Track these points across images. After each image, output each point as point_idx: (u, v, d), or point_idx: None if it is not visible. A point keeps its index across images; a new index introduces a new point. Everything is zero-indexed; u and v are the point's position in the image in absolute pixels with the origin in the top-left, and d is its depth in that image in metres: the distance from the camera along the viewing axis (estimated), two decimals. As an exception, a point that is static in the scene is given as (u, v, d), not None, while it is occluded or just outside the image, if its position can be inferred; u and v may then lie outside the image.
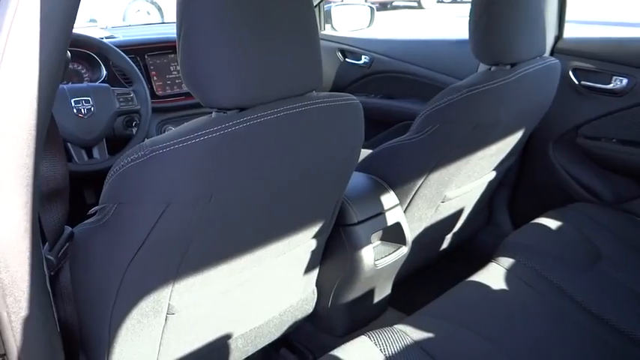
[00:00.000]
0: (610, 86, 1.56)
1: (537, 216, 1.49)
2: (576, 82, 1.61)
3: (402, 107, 2.04)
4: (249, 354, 1.24)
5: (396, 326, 1.03)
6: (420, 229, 1.44)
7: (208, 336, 1.07)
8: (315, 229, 1.08)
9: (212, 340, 1.09)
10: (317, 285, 1.30)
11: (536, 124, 1.48)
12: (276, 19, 0.79)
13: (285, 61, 0.81)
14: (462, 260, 1.76)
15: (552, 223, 1.43)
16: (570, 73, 1.61)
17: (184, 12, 0.75)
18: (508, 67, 1.26)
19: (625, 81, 1.53)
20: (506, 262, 1.26)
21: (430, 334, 1.01)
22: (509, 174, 1.74)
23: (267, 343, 1.26)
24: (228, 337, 1.12)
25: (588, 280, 1.24)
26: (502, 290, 1.16)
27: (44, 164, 0.78)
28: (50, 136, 0.75)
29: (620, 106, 1.55)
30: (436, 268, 1.70)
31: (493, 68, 1.27)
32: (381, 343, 0.97)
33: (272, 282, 1.11)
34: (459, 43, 1.91)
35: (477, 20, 1.21)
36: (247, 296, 1.08)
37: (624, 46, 1.54)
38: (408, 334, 1.00)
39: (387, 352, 0.95)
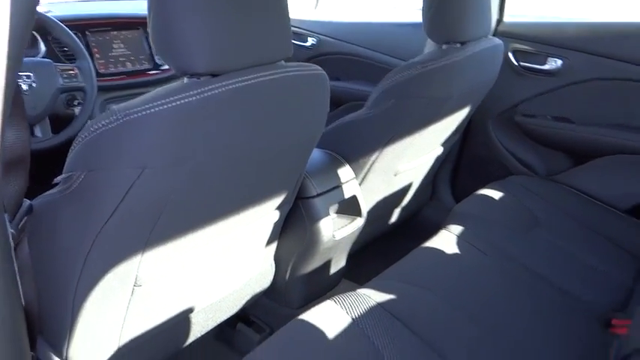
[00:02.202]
0: (546, 67, 1.67)
1: (476, 189, 1.59)
2: (515, 63, 1.71)
3: (348, 88, 2.07)
4: (209, 329, 1.24)
5: (359, 290, 1.07)
6: (373, 202, 1.49)
7: (171, 310, 1.06)
8: (279, 200, 1.09)
9: (174, 315, 1.08)
10: (275, 258, 1.32)
11: (479, 102, 1.56)
12: None
13: (256, 29, 0.82)
14: (408, 234, 1.84)
15: (494, 194, 1.52)
16: (510, 55, 1.71)
17: None
18: (458, 45, 1.33)
19: (559, 62, 1.64)
20: (456, 229, 1.33)
21: (392, 296, 1.05)
22: (452, 150, 1.83)
23: (226, 317, 1.27)
24: (190, 311, 1.12)
25: (528, 243, 1.34)
26: (454, 254, 1.23)
27: (7, 133, 0.74)
28: (15, 105, 0.72)
29: (554, 86, 1.67)
30: (385, 242, 1.76)
31: (444, 46, 1.33)
32: (346, 306, 1.01)
33: (234, 254, 1.12)
34: (403, 25, 1.97)
35: (430, 0, 1.26)
36: (210, 269, 1.08)
37: (560, 29, 1.65)
38: (371, 297, 1.05)
39: (352, 315, 0.99)
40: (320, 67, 0.97)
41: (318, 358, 0.90)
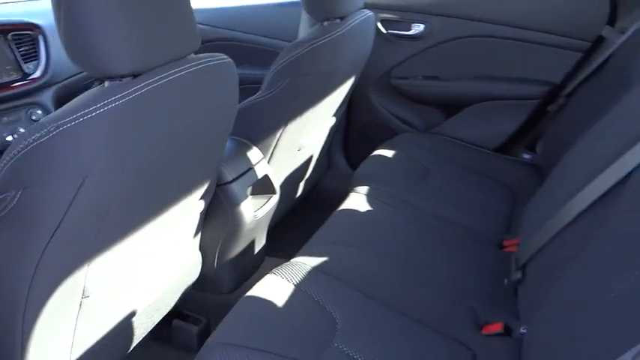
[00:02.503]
0: (411, 32, 1.85)
1: (368, 152, 1.73)
2: (384, 32, 1.87)
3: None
4: (149, 330, 1.24)
5: (293, 260, 1.15)
6: (282, 179, 1.56)
7: (116, 317, 1.06)
8: (203, 189, 1.12)
9: (119, 321, 1.08)
10: (200, 248, 1.34)
11: (360, 71, 1.69)
12: None
13: (167, 25, 0.84)
14: (315, 204, 1.94)
15: (387, 153, 1.67)
16: (379, 24, 1.86)
17: None
18: (338, 20, 1.43)
19: (422, 26, 1.83)
20: (363, 189, 1.46)
21: (325, 259, 1.15)
22: (340, 120, 1.95)
23: (163, 315, 1.27)
24: (132, 314, 1.12)
25: (425, 191, 1.51)
26: (367, 211, 1.35)
27: None
28: None
29: (420, 48, 1.85)
30: (295, 215, 1.85)
31: (325, 23, 1.42)
32: (287, 276, 1.08)
33: (167, 250, 1.13)
34: (280, 5, 2.04)
35: None
36: (147, 268, 1.09)
37: (416, -4, 1.84)
38: (307, 263, 1.13)
39: (294, 282, 1.06)
40: (226, 56, 1.00)
41: (277, 328, 0.96)
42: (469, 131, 1.85)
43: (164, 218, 1.01)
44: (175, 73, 0.85)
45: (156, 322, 1.25)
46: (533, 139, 1.81)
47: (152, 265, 1.10)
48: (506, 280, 1.09)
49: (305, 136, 1.54)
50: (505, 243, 1.32)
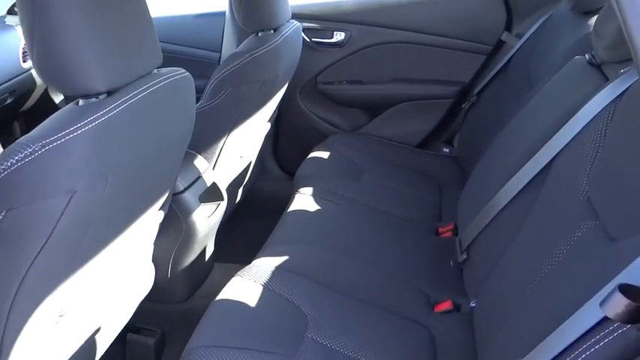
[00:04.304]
0: (333, 40, 1.96)
1: (298, 156, 1.82)
2: (308, 40, 1.96)
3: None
4: (109, 344, 1.23)
5: (255, 262, 1.20)
6: (225, 187, 1.60)
7: (82, 334, 1.05)
8: (163, 199, 1.14)
9: (86, 339, 1.07)
10: (153, 259, 1.35)
11: (291, 78, 1.77)
12: (113, 1, 0.84)
13: (133, 41, 0.87)
14: (252, 209, 1.99)
15: (322, 155, 1.77)
16: (303, 33, 1.94)
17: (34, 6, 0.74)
18: (272, 31, 1.49)
19: (343, 34, 1.94)
20: (307, 190, 1.54)
21: (285, 258, 1.21)
22: (271, 125, 2.02)
23: (121, 328, 1.27)
24: (97, 330, 1.11)
25: (363, 188, 1.62)
26: (315, 210, 1.44)
27: None
28: None
29: (343, 55, 1.97)
30: (235, 220, 1.89)
31: (260, 34, 1.49)
32: (253, 277, 1.13)
33: (127, 262, 1.14)
34: (201, 16, 2.06)
35: None
36: (111, 282, 1.09)
37: (338, 6, 1.94)
38: (269, 264, 1.19)
39: (261, 282, 1.12)
40: (184, 70, 1.04)
41: (252, 327, 1.01)
42: (393, 130, 2.00)
43: (131, 231, 1.02)
44: (147, 88, 0.88)
45: (115, 336, 1.25)
46: (450, 134, 1.99)
47: (114, 279, 1.10)
48: (451, 262, 1.22)
49: (246, 143, 1.59)
50: (440, 230, 1.47)
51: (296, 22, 1.67)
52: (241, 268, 1.22)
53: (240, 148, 1.56)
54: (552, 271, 0.83)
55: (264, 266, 1.17)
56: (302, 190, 1.54)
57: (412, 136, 2.00)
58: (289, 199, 1.55)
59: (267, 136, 1.97)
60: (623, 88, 0.89)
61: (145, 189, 1.00)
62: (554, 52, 1.40)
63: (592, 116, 0.92)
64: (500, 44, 1.86)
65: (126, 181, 0.87)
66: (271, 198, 2.03)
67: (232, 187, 1.66)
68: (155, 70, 0.96)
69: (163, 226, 1.32)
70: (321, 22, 1.95)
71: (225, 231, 1.77)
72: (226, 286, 1.12)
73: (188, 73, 1.04)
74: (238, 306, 1.06)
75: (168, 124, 0.98)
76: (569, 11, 1.47)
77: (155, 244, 1.32)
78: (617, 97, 0.89)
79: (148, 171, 0.95)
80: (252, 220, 1.97)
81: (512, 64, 1.70)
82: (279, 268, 1.17)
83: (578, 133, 0.94)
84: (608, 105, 0.90)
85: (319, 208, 1.44)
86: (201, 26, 2.05)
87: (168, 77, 0.95)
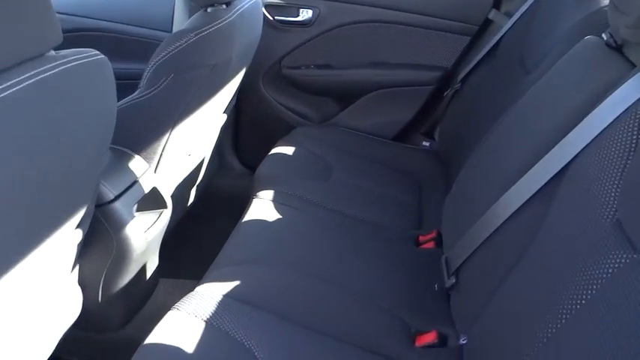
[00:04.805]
0: (299, 18, 1.72)
1: (261, 149, 1.59)
2: (271, 18, 1.72)
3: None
4: None
5: (198, 289, 0.98)
6: (172, 189, 1.36)
7: None
8: (79, 215, 0.91)
9: None
10: (80, 282, 1.12)
11: (250, 62, 1.54)
12: None
13: (17, 16, 0.63)
14: (208, 209, 1.76)
15: (286, 150, 1.54)
16: (264, 10, 1.70)
17: None
18: (224, 6, 1.26)
19: (310, 12, 1.71)
20: (266, 194, 1.31)
21: (234, 282, 1.00)
22: (230, 115, 1.78)
23: None
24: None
25: (332, 189, 1.40)
26: (275, 220, 1.21)
27: None
28: None
29: (310, 35, 1.74)
30: (188, 224, 1.66)
31: (209, 10, 1.25)
32: (192, 310, 0.92)
33: (39, 290, 0.91)
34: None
35: None
36: (21, 313, 0.86)
37: (305, -21, 1.71)
38: (213, 291, 0.97)
39: (202, 316, 0.90)
40: (98, 52, 0.80)
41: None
42: (366, 121, 1.78)
43: (35, 257, 0.79)
44: (35, 75, 0.64)
45: None
46: (430, 125, 1.79)
47: (24, 309, 0.87)
48: (436, 286, 1.02)
49: (195, 139, 1.35)
50: (421, 239, 1.27)
51: (255, -5, 1.44)
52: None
53: (189, 144, 1.33)
54: (574, 319, 0.63)
55: (207, 294, 0.96)
56: (261, 194, 1.32)
57: (388, 128, 1.78)
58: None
59: (225, 128, 1.74)
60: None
61: (44, 202, 0.76)
62: (554, 33, 1.19)
63: (618, 113, 0.72)
64: (487, 24, 1.65)
65: (9, 191, 0.64)
66: (231, 196, 1.81)
67: (180, 191, 1.43)
68: (52, 52, 0.72)
69: (90, 243, 1.09)
70: (285, -3, 1.72)
71: (174, 240, 1.54)
72: (159, 325, 0.90)
73: (101, 56, 0.80)
74: (171, 351, 0.84)
75: (71, 119, 0.74)
76: (569, -15, 1.26)
77: (81, 264, 1.09)
78: (652, 88, 0.69)
79: (43, 177, 0.72)
80: (208, 223, 1.74)
81: (501, 47, 1.49)
82: (226, 297, 0.95)
83: (600, 133, 0.74)
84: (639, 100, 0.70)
85: (280, 217, 1.22)
86: (148, 2, 1.79)
87: (69, 60, 0.72)
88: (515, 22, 1.46)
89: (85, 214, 0.93)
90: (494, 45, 1.52)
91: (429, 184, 1.54)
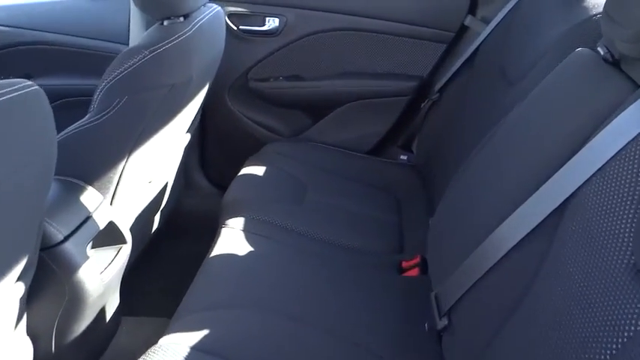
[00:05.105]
0: (265, 28, 1.62)
1: (231, 166, 1.49)
2: (235, 28, 1.61)
3: (52, 86, 1.68)
4: None
5: (161, 342, 0.87)
6: (132, 220, 1.25)
7: None
8: (19, 267, 0.79)
9: None
10: (30, 333, 1.00)
11: (214, 76, 1.43)
12: None
13: None
14: (175, 235, 1.64)
15: (256, 170, 1.44)
16: (227, 20, 1.59)
17: None
18: (181, 19, 1.15)
19: (277, 21, 1.61)
20: (235, 223, 1.21)
21: (202, 331, 0.89)
22: (196, 132, 1.67)
23: None
24: None
25: (306, 211, 1.31)
26: (246, 253, 1.11)
27: None
28: None
29: (278, 45, 1.63)
30: (153, 254, 1.54)
31: (166, 23, 1.13)
32: (156, 368, 0.81)
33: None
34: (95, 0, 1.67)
35: None
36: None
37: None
38: (179, 342, 0.86)
39: (167, 376, 0.80)
40: (30, 82, 0.69)
41: None
42: (340, 134, 1.69)
43: None
44: None
45: None
46: (408, 138, 1.70)
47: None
48: (426, 325, 0.93)
49: (156, 164, 1.24)
50: (404, 265, 1.18)
51: (216, 6, 1.33)
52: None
53: (149, 170, 1.21)
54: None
55: (172, 348, 0.85)
56: (230, 221, 1.21)
57: (363, 142, 1.69)
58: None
59: (190, 146, 1.62)
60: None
61: None
62: (537, 42, 1.12)
63: (626, 141, 0.64)
64: (463, 30, 1.58)
65: None
66: (200, 216, 1.69)
67: (142, 221, 1.31)
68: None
69: (39, 290, 0.96)
70: (250, 5, 1.60)
71: (137, 272, 1.42)
72: None
73: (35, 87, 0.69)
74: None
75: (5, 160, 0.63)
76: (551, -10, 1.20)
77: (30, 313, 0.97)
78: (665, 113, 0.62)
79: None
80: (174, 249, 1.63)
81: (479, 55, 1.42)
82: (193, 349, 0.85)
83: (607, 162, 0.66)
84: (651, 125, 0.62)
85: (250, 248, 1.12)
86: (104, 11, 1.66)
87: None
88: (492, 29, 1.39)
89: (26, 264, 0.82)
90: (472, 53, 1.45)
91: (409, 200, 1.46)
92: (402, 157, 1.69)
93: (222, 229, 1.20)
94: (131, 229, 1.22)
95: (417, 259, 1.17)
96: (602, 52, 0.80)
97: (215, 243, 1.14)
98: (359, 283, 1.09)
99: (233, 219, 1.22)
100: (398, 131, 1.70)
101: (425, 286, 1.05)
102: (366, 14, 1.59)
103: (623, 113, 0.67)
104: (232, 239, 1.15)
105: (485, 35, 1.41)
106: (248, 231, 1.18)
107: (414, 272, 1.16)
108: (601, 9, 0.96)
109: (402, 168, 1.62)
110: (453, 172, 1.16)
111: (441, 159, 1.43)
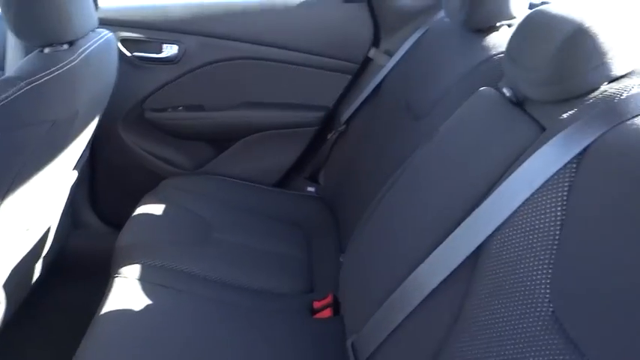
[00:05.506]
0: (163, 55, 1.52)
1: (126, 204, 1.37)
2: (128, 54, 1.50)
3: None
4: None
5: None
6: (7, 274, 1.08)
7: None
8: None
9: None
10: None
11: (105, 108, 1.30)
12: None
13: None
14: (58, 280, 1.47)
15: (154, 209, 1.33)
16: (120, 45, 1.48)
17: None
18: (66, 46, 1.03)
19: (175, 47, 1.51)
20: (130, 272, 1.09)
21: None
22: (84, 168, 1.51)
23: None
24: None
25: (212, 254, 1.22)
26: (145, 309, 1.00)
27: None
28: None
29: (176, 74, 1.54)
30: (38, 303, 1.36)
31: (47, 50, 1.01)
32: None
33: None
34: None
35: None
36: None
37: (166, 12, 1.50)
38: None
39: None
40: None
41: None
42: (245, 167, 1.62)
43: None
44: None
45: None
46: (314, 169, 1.66)
47: None
48: (344, 378, 0.87)
49: (35, 209, 1.09)
50: (315, 305, 1.13)
51: (107, 31, 1.22)
52: None
53: (26, 217, 1.06)
54: None
55: None
56: (123, 270, 1.09)
57: (269, 174, 1.63)
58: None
59: (78, 184, 1.47)
60: (582, 145, 0.62)
61: None
62: (440, 78, 1.13)
63: (537, 185, 0.64)
64: (367, 62, 1.58)
65: None
66: (91, 260, 1.53)
67: (18, 274, 1.14)
68: None
69: None
70: (146, 31, 1.50)
71: (18, 327, 1.25)
72: None
73: None
74: None
75: None
76: (451, 27, 1.22)
77: None
78: (573, 158, 0.62)
79: None
80: (62, 298, 1.46)
81: (384, 88, 1.42)
82: None
83: (518, 208, 0.66)
84: (561, 170, 0.62)
85: (148, 302, 1.01)
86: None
87: None
88: (396, 63, 1.40)
89: None
90: (377, 86, 1.45)
91: (318, 235, 1.42)
92: (309, 188, 1.65)
93: (115, 279, 1.07)
94: (5, 286, 1.06)
95: (329, 299, 1.13)
96: (507, 93, 0.81)
97: (106, 297, 1.01)
98: (268, 333, 1.01)
99: (127, 266, 1.10)
100: (304, 163, 1.66)
101: (339, 330, 1.00)
102: (270, 43, 1.55)
103: (531, 158, 0.67)
104: (126, 291, 1.03)
105: (389, 68, 1.42)
106: (144, 280, 1.06)
107: (327, 313, 1.11)
108: (501, 49, 1.00)
109: (310, 200, 1.58)
110: (362, 206, 1.13)
111: (350, 192, 1.41)
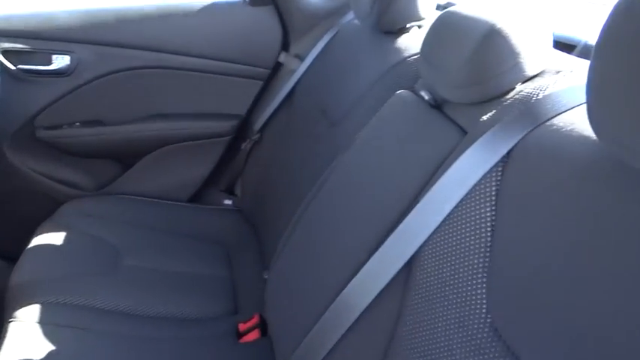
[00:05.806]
0: (53, 67, 1.37)
1: (19, 235, 1.23)
2: (12, 68, 1.34)
3: None
4: None
5: None
6: None
7: None
8: None
9: None
10: None
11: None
12: None
13: None
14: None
15: (53, 239, 1.19)
16: (1, 57, 1.32)
17: None
18: None
19: (67, 58, 1.38)
20: (28, 313, 0.96)
21: None
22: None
23: None
24: None
25: (122, 284, 1.11)
26: (48, 353, 0.88)
27: None
28: None
29: (70, 87, 1.40)
30: None
31: None
32: None
33: None
34: None
35: None
36: None
37: (56, 19, 1.36)
38: None
39: None
40: None
41: None
42: (156, 183, 1.51)
43: None
44: None
45: None
46: (230, 180, 1.59)
47: None
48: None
49: None
50: (241, 328, 1.06)
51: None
52: None
53: None
54: None
55: None
56: (19, 313, 0.96)
57: (182, 189, 1.53)
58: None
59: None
60: (505, 149, 0.60)
61: None
62: (354, 82, 1.11)
63: (465, 190, 0.62)
64: (278, 67, 1.53)
65: None
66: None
67: None
68: None
69: None
70: (31, 41, 1.35)
71: None
72: None
73: None
74: None
75: None
76: (361, 29, 1.20)
77: None
78: (498, 161, 0.60)
79: None
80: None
81: (298, 94, 1.38)
82: None
83: (448, 214, 0.63)
84: (487, 174, 0.61)
85: (52, 347, 0.89)
86: None
87: None
88: (308, 67, 1.36)
89: None
90: (289, 91, 1.40)
91: (239, 251, 1.35)
92: (226, 201, 1.57)
93: (10, 324, 0.94)
94: None
95: (255, 319, 1.07)
96: (425, 96, 0.79)
97: (0, 347, 0.89)
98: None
99: (23, 308, 0.97)
100: (219, 174, 1.58)
101: (268, 354, 0.94)
102: (172, 51, 1.45)
103: (457, 163, 0.65)
104: (24, 338, 0.90)
105: (301, 73, 1.38)
106: (45, 322, 0.94)
107: (254, 334, 1.04)
108: (414, 50, 0.99)
109: (227, 214, 1.50)
110: (283, 219, 1.08)
111: (269, 204, 1.35)
